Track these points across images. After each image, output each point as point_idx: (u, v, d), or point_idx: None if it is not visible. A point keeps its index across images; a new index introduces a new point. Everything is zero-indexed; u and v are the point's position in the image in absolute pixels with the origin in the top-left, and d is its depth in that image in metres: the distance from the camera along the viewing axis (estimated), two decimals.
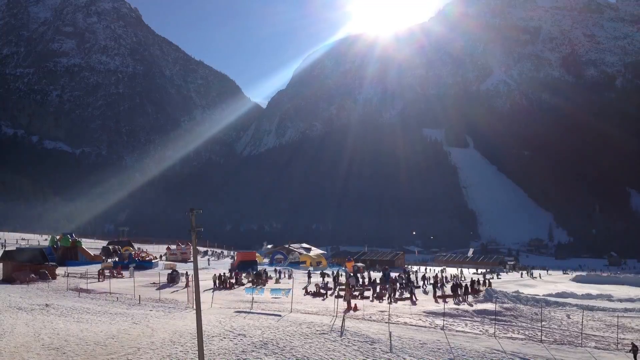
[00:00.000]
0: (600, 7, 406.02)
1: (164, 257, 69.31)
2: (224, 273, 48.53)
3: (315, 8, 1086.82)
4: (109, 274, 46.77)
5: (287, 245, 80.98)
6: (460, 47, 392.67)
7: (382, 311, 30.81)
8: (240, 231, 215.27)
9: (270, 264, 74.64)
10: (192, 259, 23.16)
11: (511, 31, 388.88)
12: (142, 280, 44.93)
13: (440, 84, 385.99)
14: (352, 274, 51.15)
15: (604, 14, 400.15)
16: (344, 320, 25.34)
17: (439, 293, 39.13)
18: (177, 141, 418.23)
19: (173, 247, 77.43)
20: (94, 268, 53.57)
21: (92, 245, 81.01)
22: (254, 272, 49.89)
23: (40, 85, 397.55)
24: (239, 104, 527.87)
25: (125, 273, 49.35)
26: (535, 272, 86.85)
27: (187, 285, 38.42)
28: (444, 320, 27.48)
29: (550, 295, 45.86)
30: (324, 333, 23.64)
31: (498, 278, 66.63)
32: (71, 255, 59.36)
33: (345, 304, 32.07)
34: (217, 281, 43.21)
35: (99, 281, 43.53)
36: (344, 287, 42.26)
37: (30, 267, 43.37)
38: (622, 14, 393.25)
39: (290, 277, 51.91)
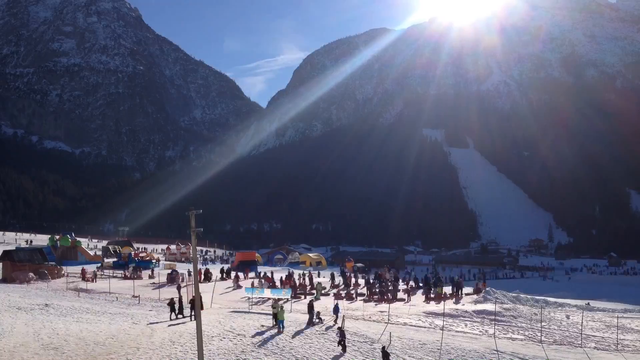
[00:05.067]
0: (600, 8, 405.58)
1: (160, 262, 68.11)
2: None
3: (314, 8, 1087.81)
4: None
5: (286, 246, 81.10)
6: (461, 48, 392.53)
7: (381, 311, 30.79)
8: (240, 231, 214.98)
9: (267, 264, 74.50)
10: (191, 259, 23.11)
11: (511, 31, 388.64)
12: (142, 280, 44.96)
13: (440, 84, 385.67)
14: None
15: (604, 14, 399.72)
16: (343, 320, 25.32)
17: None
18: (177, 140, 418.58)
19: (173, 247, 77.47)
20: (93, 268, 53.54)
21: (91, 245, 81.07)
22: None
23: (40, 85, 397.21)
24: (239, 104, 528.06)
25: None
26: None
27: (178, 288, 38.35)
28: (443, 320, 27.44)
29: (549, 295, 45.88)
30: (324, 333, 23.62)
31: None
32: (71, 255, 59.37)
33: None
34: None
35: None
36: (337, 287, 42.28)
37: (29, 267, 43.38)
38: (622, 15, 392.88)
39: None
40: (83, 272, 44.73)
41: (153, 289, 40.39)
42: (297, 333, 23.65)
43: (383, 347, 19.78)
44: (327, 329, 24.50)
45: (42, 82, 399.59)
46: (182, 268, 53.30)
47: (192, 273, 46.57)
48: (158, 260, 62.04)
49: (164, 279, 44.98)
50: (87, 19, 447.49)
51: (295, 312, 30.21)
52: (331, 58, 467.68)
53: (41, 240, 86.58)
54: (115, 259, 58.91)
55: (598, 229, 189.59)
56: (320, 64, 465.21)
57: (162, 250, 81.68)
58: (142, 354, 20.33)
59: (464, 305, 34.65)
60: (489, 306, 32.71)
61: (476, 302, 36.35)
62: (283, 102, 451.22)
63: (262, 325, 25.19)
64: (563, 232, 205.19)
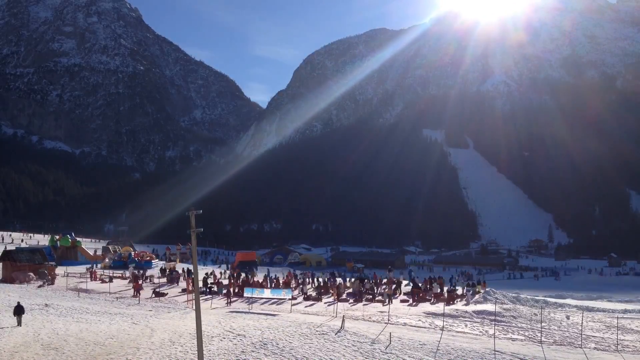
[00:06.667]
0: (600, 8, 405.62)
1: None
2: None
3: (314, 9, 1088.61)
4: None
5: (286, 246, 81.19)
6: (461, 48, 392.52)
7: (381, 312, 30.80)
8: (240, 231, 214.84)
9: (267, 264, 74.60)
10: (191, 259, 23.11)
11: (512, 32, 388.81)
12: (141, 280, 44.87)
13: (440, 84, 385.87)
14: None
15: (605, 15, 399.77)
16: (343, 320, 25.32)
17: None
18: (177, 141, 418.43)
19: (173, 247, 77.34)
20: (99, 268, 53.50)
21: (91, 245, 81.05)
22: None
23: (40, 85, 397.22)
24: (239, 104, 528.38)
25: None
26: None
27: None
28: (443, 321, 27.46)
29: (549, 296, 45.90)
30: (323, 333, 23.61)
31: None
32: (71, 255, 59.34)
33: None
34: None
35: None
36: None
37: (29, 267, 43.36)
38: (622, 16, 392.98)
39: None
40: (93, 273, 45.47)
41: (152, 289, 40.32)
42: (298, 334, 23.64)
43: None
44: (327, 329, 24.51)
45: (42, 82, 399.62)
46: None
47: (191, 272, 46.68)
48: (151, 259, 62.06)
49: (163, 279, 45.05)
50: (87, 19, 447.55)
51: (295, 312, 30.23)
52: (331, 58, 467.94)
53: (41, 240, 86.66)
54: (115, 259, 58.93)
55: (598, 230, 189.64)
56: (321, 64, 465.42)
57: (154, 250, 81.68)
58: (142, 354, 20.32)
59: (467, 305, 34.68)
60: (489, 306, 32.74)
61: (476, 302, 36.37)
62: (283, 102, 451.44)
63: None
64: (563, 233, 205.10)
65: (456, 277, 59.98)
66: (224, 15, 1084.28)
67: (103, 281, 44.02)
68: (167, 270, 47.80)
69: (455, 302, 35.36)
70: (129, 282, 42.24)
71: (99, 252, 68.62)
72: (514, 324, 28.26)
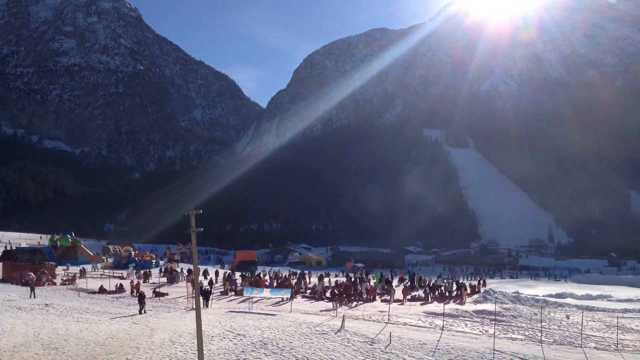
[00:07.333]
0: (600, 8, 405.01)
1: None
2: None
3: (314, 8, 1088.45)
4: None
5: (286, 246, 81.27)
6: (461, 48, 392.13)
7: (381, 311, 30.82)
8: (240, 231, 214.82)
9: (267, 264, 74.75)
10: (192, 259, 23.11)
11: (511, 32, 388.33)
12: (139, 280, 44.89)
13: (440, 84, 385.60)
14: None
15: (605, 14, 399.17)
16: (343, 320, 25.34)
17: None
18: (177, 140, 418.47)
19: (173, 247, 77.46)
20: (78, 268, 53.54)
21: (90, 245, 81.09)
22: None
23: (40, 85, 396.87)
24: (239, 104, 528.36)
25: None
26: None
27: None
28: (443, 320, 27.46)
29: (549, 295, 45.88)
30: (323, 333, 23.61)
31: None
32: (71, 255, 59.41)
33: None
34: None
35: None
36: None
37: (29, 267, 43.39)
38: (622, 15, 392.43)
39: None
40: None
41: (152, 290, 40.36)
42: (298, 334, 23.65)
43: None
44: (327, 329, 24.53)
45: (42, 82, 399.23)
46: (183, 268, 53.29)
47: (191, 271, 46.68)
48: (151, 259, 62.10)
49: (163, 279, 45.08)
50: (87, 19, 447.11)
51: (295, 312, 30.24)
52: (331, 58, 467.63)
53: (41, 240, 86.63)
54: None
55: (598, 229, 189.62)
56: (320, 64, 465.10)
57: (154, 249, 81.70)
58: (142, 354, 20.33)
59: (463, 305, 34.71)
60: (489, 306, 32.76)
61: (476, 302, 36.39)
62: (283, 102, 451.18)
63: None
64: (563, 233, 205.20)
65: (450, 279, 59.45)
66: (223, 14, 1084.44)
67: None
68: (168, 270, 47.86)
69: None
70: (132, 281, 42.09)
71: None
72: (514, 324, 28.26)
